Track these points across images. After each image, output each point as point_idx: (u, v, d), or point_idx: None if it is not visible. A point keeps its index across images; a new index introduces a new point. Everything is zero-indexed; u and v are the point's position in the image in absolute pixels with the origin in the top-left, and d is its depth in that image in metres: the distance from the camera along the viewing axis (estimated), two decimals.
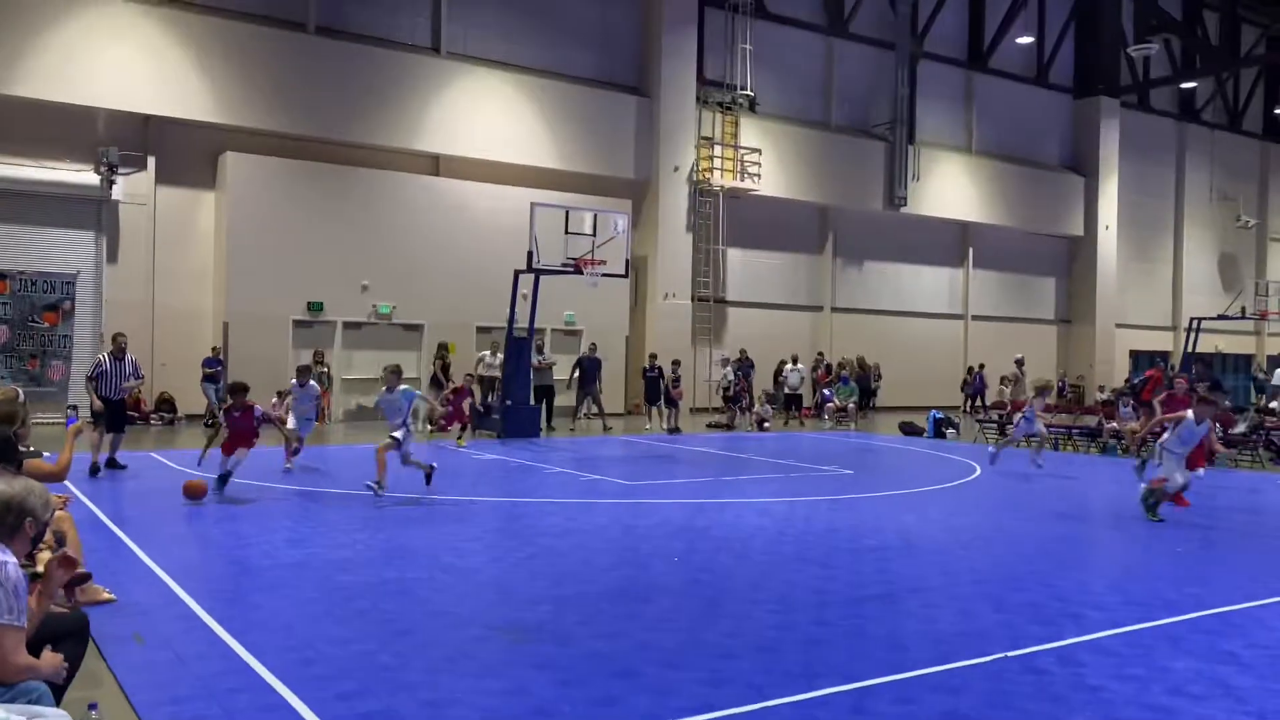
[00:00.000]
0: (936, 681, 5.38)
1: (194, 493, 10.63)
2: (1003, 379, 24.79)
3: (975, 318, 33.45)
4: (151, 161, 20.51)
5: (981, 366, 29.89)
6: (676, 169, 26.41)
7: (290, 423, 13.73)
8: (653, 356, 22.49)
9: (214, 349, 20.47)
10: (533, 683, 5.19)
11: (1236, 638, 6.34)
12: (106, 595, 6.44)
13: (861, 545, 9.22)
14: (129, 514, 10.13)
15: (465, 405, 18.52)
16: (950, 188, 32.08)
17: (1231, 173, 40.18)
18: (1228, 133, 40.19)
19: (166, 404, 20.51)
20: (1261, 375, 34.62)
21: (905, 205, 30.53)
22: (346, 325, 22.03)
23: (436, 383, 20.55)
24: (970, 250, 33.38)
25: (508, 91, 24.05)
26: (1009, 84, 33.91)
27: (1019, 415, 16.13)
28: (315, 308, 21.57)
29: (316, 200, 21.55)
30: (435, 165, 23.76)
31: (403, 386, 11.45)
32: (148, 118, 20.33)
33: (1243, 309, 30.61)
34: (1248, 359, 39.04)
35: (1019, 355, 27.79)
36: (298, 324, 21.44)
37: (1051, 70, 35.03)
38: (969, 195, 32.51)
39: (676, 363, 22.15)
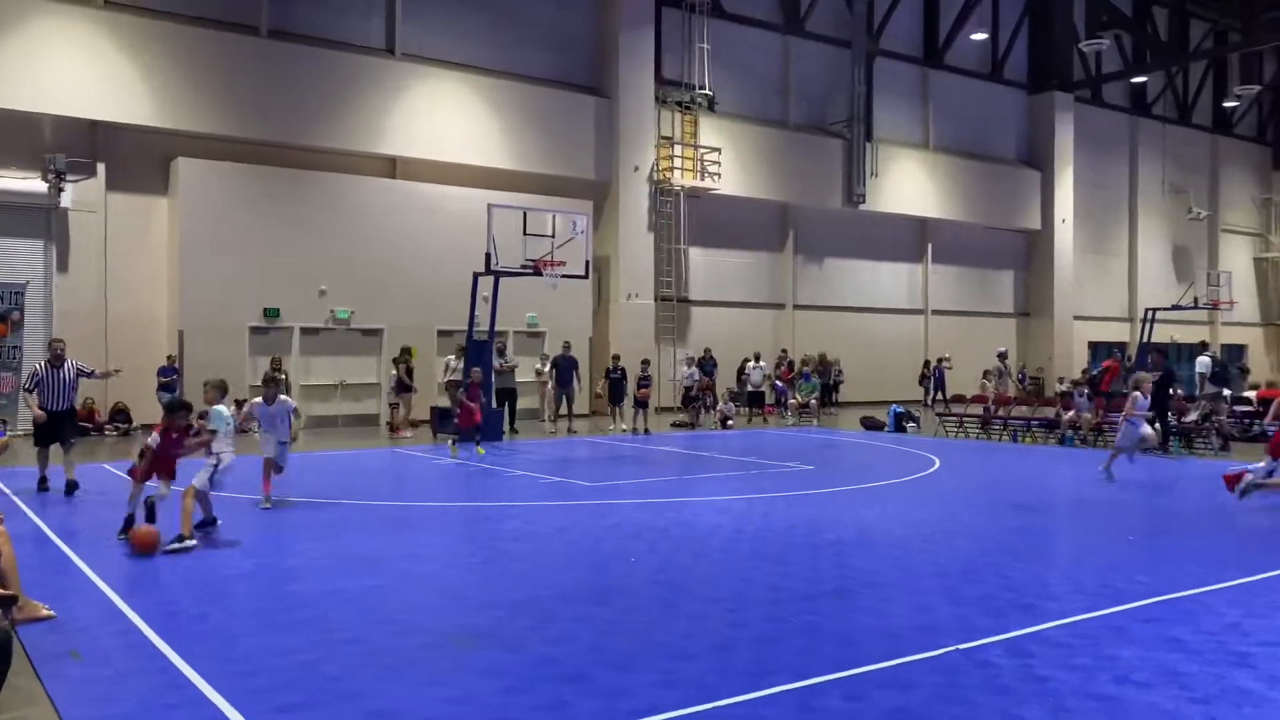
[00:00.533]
0: (886, 677, 5.39)
1: (145, 546, 8.37)
2: (985, 373, 24.92)
3: (935, 312, 33.72)
4: (101, 168, 20.14)
5: (940, 360, 30.13)
6: (636, 169, 26.38)
7: (269, 449, 10.99)
8: (615, 357, 22.44)
9: (169, 357, 20.14)
10: (480, 690, 5.13)
11: (1184, 625, 6.40)
12: (46, 612, 6.30)
13: (819, 540, 9.23)
14: (77, 528, 9.92)
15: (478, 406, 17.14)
16: (908, 184, 32.31)
17: (1183, 165, 40.82)
18: (1178, 126, 40.83)
19: (121, 414, 20.16)
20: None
21: (864, 202, 30.71)
22: (304, 331, 21.76)
23: (403, 386, 20.39)
24: (929, 245, 33.64)
25: (464, 93, 23.90)
26: (964, 80, 34.22)
27: (1121, 419, 14.19)
28: (271, 314, 21.30)
29: (271, 204, 21.28)
30: (392, 168, 23.56)
31: (219, 406, 9.71)
32: (95, 123, 19.97)
33: (1195, 299, 31.10)
34: (1202, 348, 39.60)
35: (1002, 349, 28.04)
36: (254, 330, 21.16)
37: (1006, 66, 35.39)
38: (927, 191, 32.77)
39: (645, 362, 22.08)
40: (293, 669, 5.43)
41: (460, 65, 24.00)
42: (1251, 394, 21.43)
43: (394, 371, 20.63)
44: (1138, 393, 14.09)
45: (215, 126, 20.81)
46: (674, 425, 23.09)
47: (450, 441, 16.85)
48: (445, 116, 23.55)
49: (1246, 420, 20.07)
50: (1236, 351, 41.28)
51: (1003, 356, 26.25)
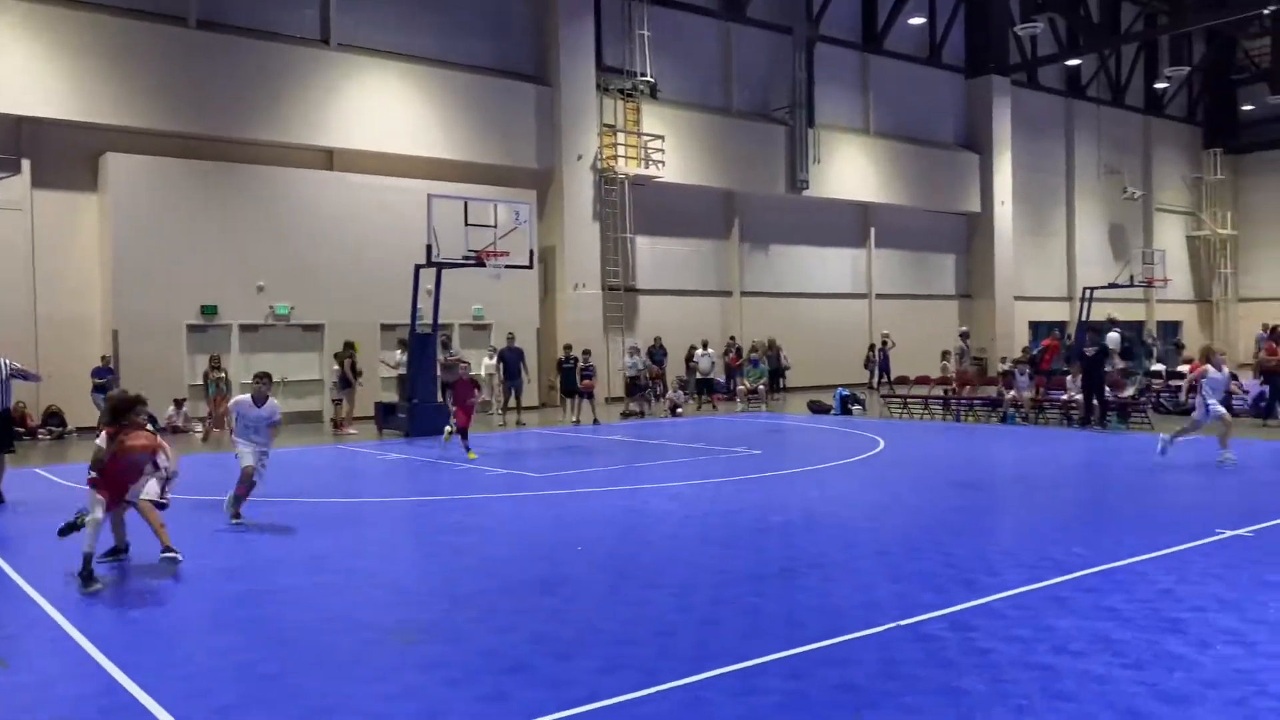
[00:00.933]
0: (829, 654, 5.42)
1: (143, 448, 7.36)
2: (944, 353, 25.16)
3: (879, 296, 34.05)
4: (26, 165, 19.54)
5: (883, 339, 30.44)
6: (580, 157, 26.24)
7: (248, 457, 9.55)
8: (567, 347, 22.33)
9: (104, 358, 19.65)
10: (421, 684, 5.07)
11: (1119, 594, 6.53)
12: None
13: (765, 524, 9.28)
14: (8, 535, 9.65)
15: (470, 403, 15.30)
16: (850, 169, 32.55)
17: (1117, 146, 41.65)
18: (1112, 108, 41.61)
19: (54, 417, 19.64)
20: (1150, 340, 36.01)
21: (807, 188, 30.88)
22: (243, 328, 21.36)
23: (346, 382, 20.11)
24: (872, 230, 33.94)
25: (402, 82, 23.57)
26: (903, 65, 34.52)
27: (1198, 397, 12.48)
28: (209, 311, 20.87)
29: (206, 199, 20.84)
30: (329, 160, 23.17)
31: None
32: (20, 119, 19.37)
33: (1131, 277, 31.76)
34: (1139, 325, 40.58)
35: (964, 328, 28.29)
36: (191, 329, 20.72)
37: (944, 51, 35.76)
38: (869, 176, 33.04)
39: (586, 353, 21.95)
40: (231, 669, 5.32)
41: (397, 55, 23.66)
42: (1185, 368, 21.91)
43: (336, 367, 20.35)
44: (1209, 365, 12.33)
45: (145, 121, 20.28)
46: (624, 415, 23.06)
47: (466, 448, 14.98)
48: (383, 107, 23.21)
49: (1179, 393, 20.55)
50: (1172, 328, 42.34)
51: (964, 336, 26.57)
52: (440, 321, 19.75)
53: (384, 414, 19.62)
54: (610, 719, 4.56)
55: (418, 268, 18.71)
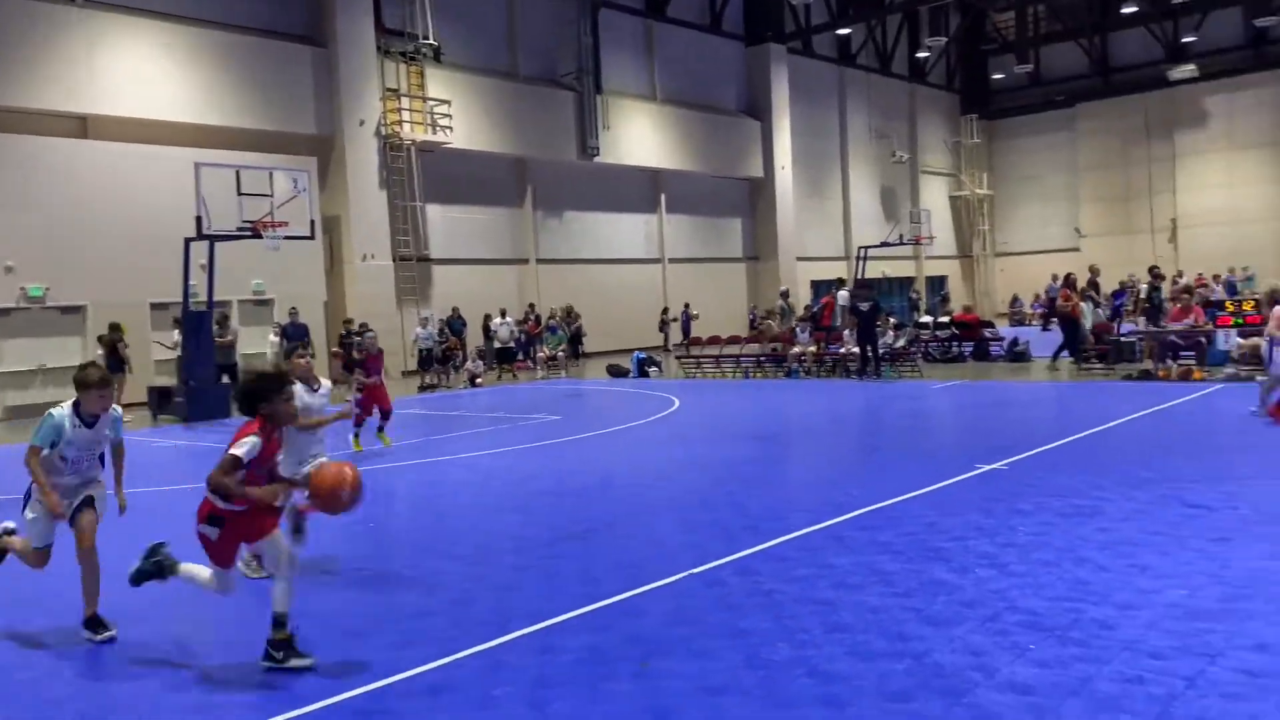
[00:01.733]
0: (624, 607, 5.55)
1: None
2: (768, 311, 25.83)
3: (672, 260, 34.78)
4: None
5: (687, 306, 31.22)
6: (362, 123, 25.27)
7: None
8: (347, 322, 21.56)
9: None
10: (199, 682, 4.80)
11: (890, 529, 7.00)
12: None
13: (562, 488, 9.35)
14: None
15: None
16: (639, 136, 32.94)
17: (885, 112, 44.14)
18: (880, 75, 44.03)
19: None
20: (915, 295, 38.63)
21: (598, 155, 31.03)
22: None
23: (114, 366, 18.62)
24: (662, 196, 34.54)
25: (161, 43, 21.86)
26: (686, 32, 35.14)
27: (1270, 347, 11.22)
28: None
29: None
30: (83, 127, 21.27)
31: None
32: None
33: (901, 236, 33.79)
34: (909, 281, 43.43)
35: (784, 288, 29.10)
36: None
37: (724, 18, 36.66)
38: (657, 142, 33.55)
39: (364, 325, 21.14)
40: None
41: (152, 13, 21.88)
42: (945, 319, 23.66)
43: (101, 350, 18.84)
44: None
45: None
46: (421, 389, 22.59)
47: (353, 436, 12.57)
48: (141, 70, 21.47)
49: (946, 344, 22.20)
50: (939, 282, 45.53)
51: (785, 295, 27.44)
52: (216, 298, 18.62)
53: (158, 399, 18.38)
54: (406, 692, 4.49)
55: (188, 241, 17.51)
